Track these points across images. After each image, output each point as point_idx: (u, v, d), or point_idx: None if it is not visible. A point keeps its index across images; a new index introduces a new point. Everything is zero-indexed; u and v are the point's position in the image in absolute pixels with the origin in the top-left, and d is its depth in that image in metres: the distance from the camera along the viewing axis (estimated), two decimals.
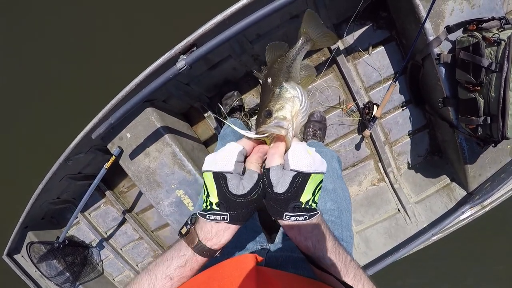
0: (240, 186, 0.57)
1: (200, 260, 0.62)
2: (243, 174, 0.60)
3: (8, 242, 2.19)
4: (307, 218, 0.58)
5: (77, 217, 2.44)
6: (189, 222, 0.63)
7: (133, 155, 1.96)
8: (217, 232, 0.60)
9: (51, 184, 2.04)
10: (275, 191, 0.56)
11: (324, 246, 0.62)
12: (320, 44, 0.74)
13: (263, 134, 0.63)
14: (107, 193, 2.49)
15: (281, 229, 1.19)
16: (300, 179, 0.56)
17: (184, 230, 0.62)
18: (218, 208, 0.58)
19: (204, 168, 0.59)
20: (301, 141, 0.64)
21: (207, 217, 0.58)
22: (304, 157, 0.58)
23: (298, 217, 0.57)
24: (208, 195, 0.59)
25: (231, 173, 0.57)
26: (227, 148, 0.60)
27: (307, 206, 0.58)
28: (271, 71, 0.69)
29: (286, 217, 0.57)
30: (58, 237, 2.16)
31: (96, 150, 2.09)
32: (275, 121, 0.62)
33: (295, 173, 0.56)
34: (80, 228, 2.60)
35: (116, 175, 2.39)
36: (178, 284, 0.61)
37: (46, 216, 2.38)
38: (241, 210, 0.58)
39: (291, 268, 0.89)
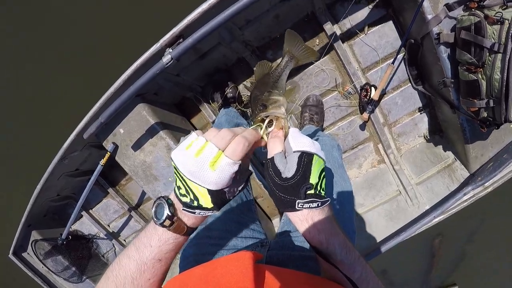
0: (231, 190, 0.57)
1: (186, 239, 0.61)
2: None
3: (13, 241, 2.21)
4: (320, 205, 0.56)
5: (81, 215, 2.48)
6: (170, 214, 0.57)
7: (128, 150, 1.92)
8: (202, 218, 0.60)
9: (49, 183, 2.02)
10: (283, 176, 0.56)
11: (336, 240, 0.59)
12: (303, 60, 0.75)
13: (263, 120, 0.64)
14: (106, 186, 2.48)
15: (281, 225, 1.16)
16: (306, 159, 0.56)
17: (167, 223, 0.57)
18: (210, 209, 0.56)
19: (191, 178, 0.53)
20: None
21: (196, 213, 0.56)
22: (304, 138, 0.59)
23: (311, 204, 0.56)
24: (196, 199, 0.55)
25: (230, 186, 0.56)
26: (225, 168, 0.52)
27: (317, 192, 0.56)
28: (259, 86, 0.71)
29: (299, 205, 0.55)
30: (61, 234, 2.18)
31: (91, 147, 2.05)
32: (272, 110, 0.64)
33: (300, 153, 0.56)
34: (83, 222, 2.62)
35: (114, 168, 2.36)
36: (168, 261, 0.61)
37: (48, 214, 2.38)
38: (227, 202, 0.58)
39: (292, 267, 0.86)
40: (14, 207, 2.53)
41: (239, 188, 0.58)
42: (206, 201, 0.55)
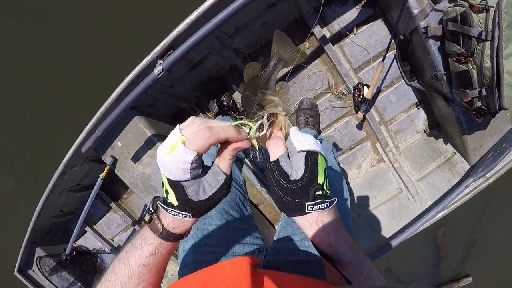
0: (200, 191, 0.51)
1: (168, 245, 0.57)
2: (206, 170, 0.53)
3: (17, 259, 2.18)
4: (328, 205, 0.53)
5: (85, 230, 2.45)
6: (151, 210, 0.56)
7: (127, 163, 1.90)
8: (181, 223, 0.55)
9: (51, 199, 2.00)
10: (292, 179, 0.52)
11: (344, 242, 0.56)
12: (291, 63, 0.71)
13: (261, 119, 0.57)
14: (108, 201, 2.46)
15: (278, 231, 1.14)
16: (312, 158, 0.53)
17: (147, 218, 0.56)
18: (177, 209, 0.52)
19: (158, 164, 0.51)
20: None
21: (168, 212, 0.52)
22: (307, 136, 0.55)
23: (320, 205, 0.52)
24: (167, 192, 0.52)
25: (188, 180, 0.50)
26: (178, 154, 0.47)
27: (324, 192, 0.53)
28: (249, 87, 0.68)
29: (309, 208, 0.52)
30: (64, 250, 2.15)
31: (90, 161, 2.04)
32: (269, 109, 0.58)
33: (305, 152, 0.53)
34: (87, 237, 2.58)
35: (115, 182, 2.34)
36: (154, 268, 0.58)
37: (51, 230, 2.36)
38: (204, 210, 0.53)
39: (289, 271, 0.82)
40: (18, 224, 2.50)
41: (210, 193, 0.52)
42: (172, 196, 0.52)
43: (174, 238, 0.56)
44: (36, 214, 2.03)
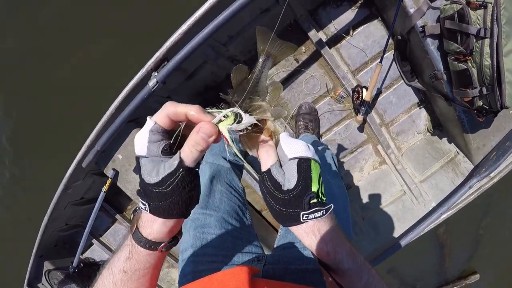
0: (153, 172, 0.46)
1: (142, 252, 0.52)
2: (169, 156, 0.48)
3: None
4: (324, 213, 0.50)
5: (91, 242, 2.45)
6: (137, 209, 0.53)
7: (128, 175, 1.87)
8: (146, 221, 0.50)
9: (56, 214, 1.99)
10: (285, 189, 0.49)
11: (343, 249, 0.54)
12: (281, 57, 0.65)
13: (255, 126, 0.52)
14: (112, 212, 2.42)
15: (277, 239, 1.10)
16: (304, 165, 0.50)
17: (131, 216, 0.52)
18: (140, 196, 0.48)
19: None
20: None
21: (140, 203, 0.49)
22: (298, 142, 0.52)
23: (316, 214, 0.50)
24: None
25: (146, 157, 0.46)
26: (144, 126, 0.47)
27: (319, 199, 0.51)
28: (238, 92, 0.60)
29: (304, 217, 0.49)
30: (72, 262, 2.14)
31: (93, 175, 2.02)
32: (257, 116, 0.53)
33: (297, 160, 0.50)
34: (93, 249, 2.55)
35: (118, 193, 2.29)
36: (135, 277, 0.54)
37: (58, 243, 2.34)
38: (158, 202, 0.46)
39: (288, 280, 0.82)
40: (26, 238, 2.49)
41: (161, 176, 0.45)
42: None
43: (143, 243, 0.51)
44: (42, 228, 2.01)
